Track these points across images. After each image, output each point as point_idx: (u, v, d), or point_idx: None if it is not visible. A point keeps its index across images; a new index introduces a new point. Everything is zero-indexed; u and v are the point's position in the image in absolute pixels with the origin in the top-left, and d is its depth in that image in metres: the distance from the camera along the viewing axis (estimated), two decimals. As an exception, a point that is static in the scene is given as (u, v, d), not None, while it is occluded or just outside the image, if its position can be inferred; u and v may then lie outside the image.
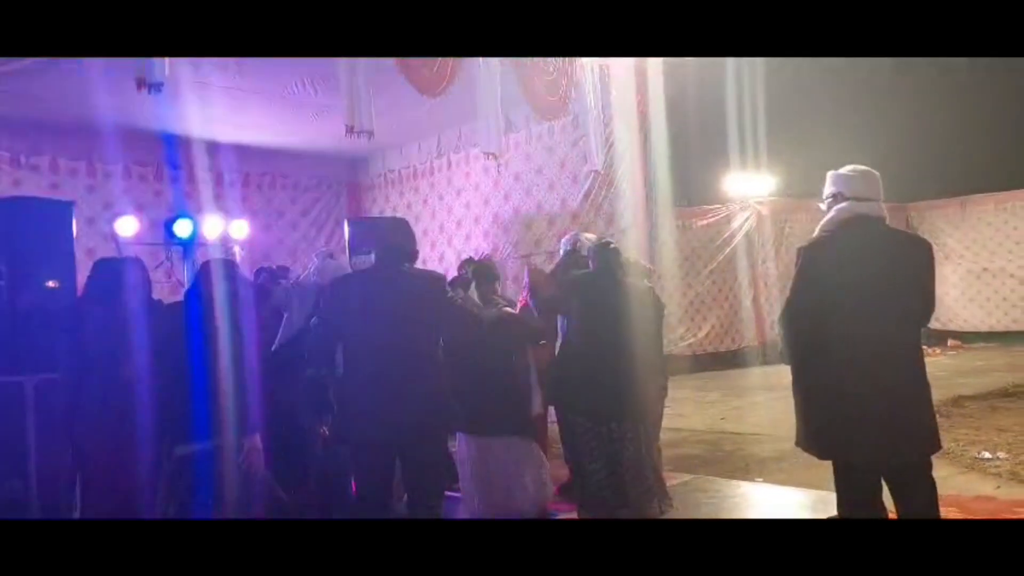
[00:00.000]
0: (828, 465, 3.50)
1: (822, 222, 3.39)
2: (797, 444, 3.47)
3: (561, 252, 5.13)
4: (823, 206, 3.50)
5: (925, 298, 3.30)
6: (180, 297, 4.47)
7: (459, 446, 4.74)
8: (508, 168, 7.32)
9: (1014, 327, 15.67)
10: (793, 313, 3.32)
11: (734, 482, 5.73)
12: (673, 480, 5.68)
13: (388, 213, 9.26)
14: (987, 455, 5.98)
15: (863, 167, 3.43)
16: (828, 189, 3.44)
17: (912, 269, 3.28)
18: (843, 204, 3.32)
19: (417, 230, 8.88)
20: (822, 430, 3.26)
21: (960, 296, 16.00)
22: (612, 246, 4.74)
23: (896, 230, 3.46)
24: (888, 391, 3.14)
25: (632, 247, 6.01)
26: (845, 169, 3.43)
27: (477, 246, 7.83)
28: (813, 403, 3.30)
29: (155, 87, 4.19)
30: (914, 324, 3.31)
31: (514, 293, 6.02)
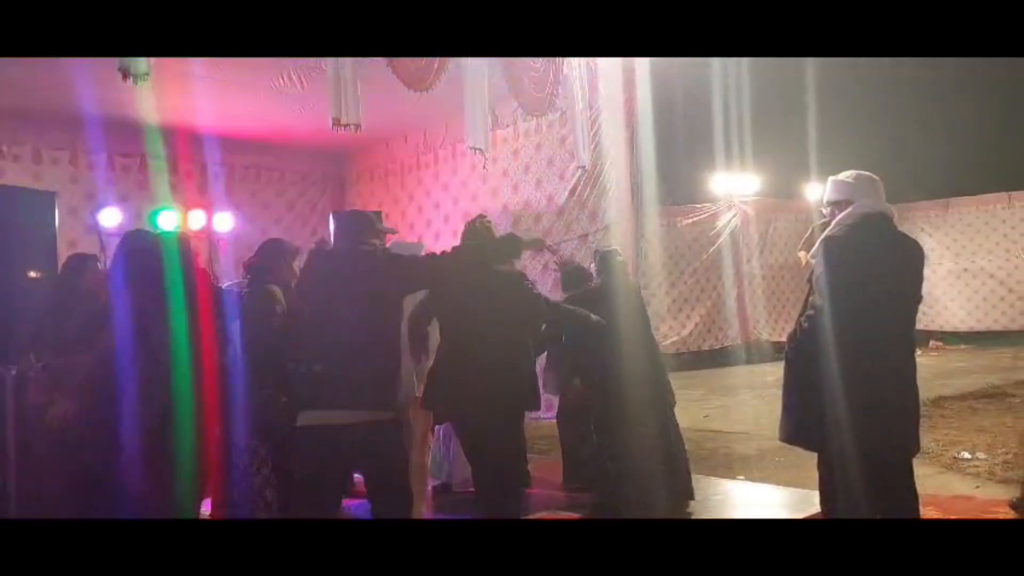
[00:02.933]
0: (809, 464, 3.53)
1: (837, 218, 3.37)
2: (781, 439, 3.49)
3: None
4: (825, 211, 3.49)
5: (918, 301, 3.37)
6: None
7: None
8: (496, 164, 7.31)
9: (995, 327, 15.84)
10: (828, 302, 3.23)
11: (716, 480, 5.76)
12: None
13: (373, 207, 9.21)
14: (966, 455, 6.04)
15: (865, 172, 3.43)
16: (833, 196, 3.43)
17: (916, 271, 3.34)
18: (858, 203, 3.32)
19: (403, 225, 8.90)
20: (814, 422, 3.26)
21: (941, 296, 16.15)
22: (620, 258, 4.85)
23: (901, 232, 3.45)
24: (883, 388, 3.18)
25: (616, 244, 6.03)
26: (847, 175, 3.42)
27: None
28: (811, 393, 3.29)
29: (141, 77, 4.15)
30: (910, 325, 3.36)
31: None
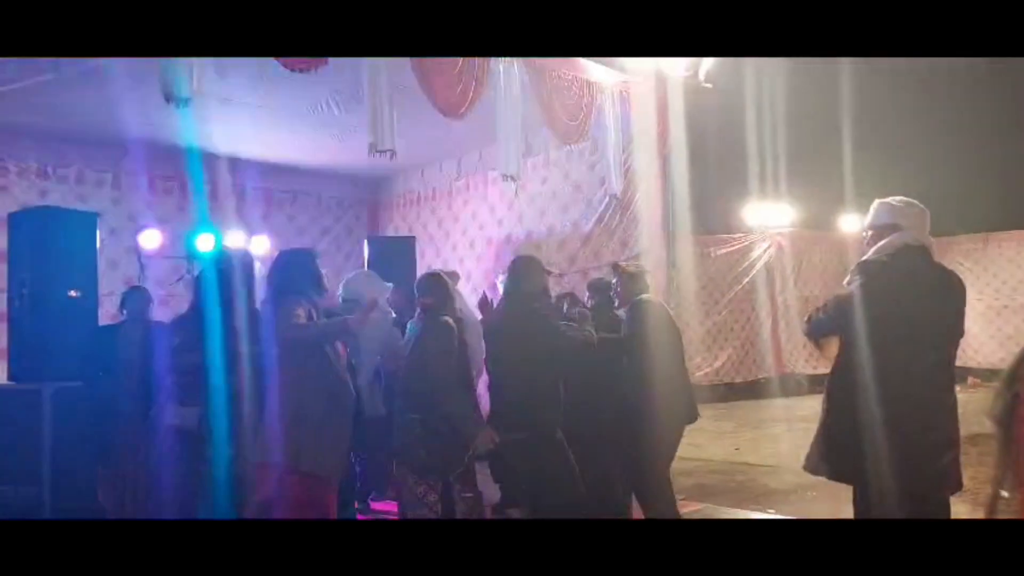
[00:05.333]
0: (840, 499, 3.45)
1: (877, 246, 3.30)
2: (805, 468, 3.41)
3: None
4: (867, 234, 3.41)
5: (957, 337, 3.29)
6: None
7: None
8: (524, 190, 7.38)
9: (1036, 366, 15.42)
10: (844, 321, 3.19)
11: (744, 513, 5.68)
12: (683, 509, 5.64)
13: (404, 233, 9.32)
14: (1004, 494, 5.89)
15: (913, 200, 3.36)
16: (880, 219, 3.35)
17: (956, 306, 3.26)
18: (903, 232, 3.26)
19: (430, 250, 8.98)
20: (840, 451, 3.21)
21: (980, 333, 15.79)
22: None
23: (941, 265, 3.37)
24: (910, 423, 3.09)
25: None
26: (897, 200, 3.35)
27: (488, 268, 7.88)
28: (837, 423, 3.24)
29: (183, 102, 4.25)
30: (949, 360, 3.26)
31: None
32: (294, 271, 3.84)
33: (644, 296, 4.66)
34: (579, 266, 6.95)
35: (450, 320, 4.09)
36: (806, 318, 3.49)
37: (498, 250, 7.84)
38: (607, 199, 6.56)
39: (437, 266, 8.47)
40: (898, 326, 3.13)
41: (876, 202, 3.41)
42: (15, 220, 5.94)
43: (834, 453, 3.26)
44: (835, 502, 4.60)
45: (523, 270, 4.35)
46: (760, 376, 14.42)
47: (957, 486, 3.24)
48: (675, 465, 6.12)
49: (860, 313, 3.16)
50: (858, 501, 3.29)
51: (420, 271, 8.49)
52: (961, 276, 3.46)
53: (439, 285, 4.24)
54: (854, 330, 3.16)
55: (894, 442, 3.07)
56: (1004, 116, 17.91)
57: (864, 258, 3.32)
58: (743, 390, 14.08)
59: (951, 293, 3.27)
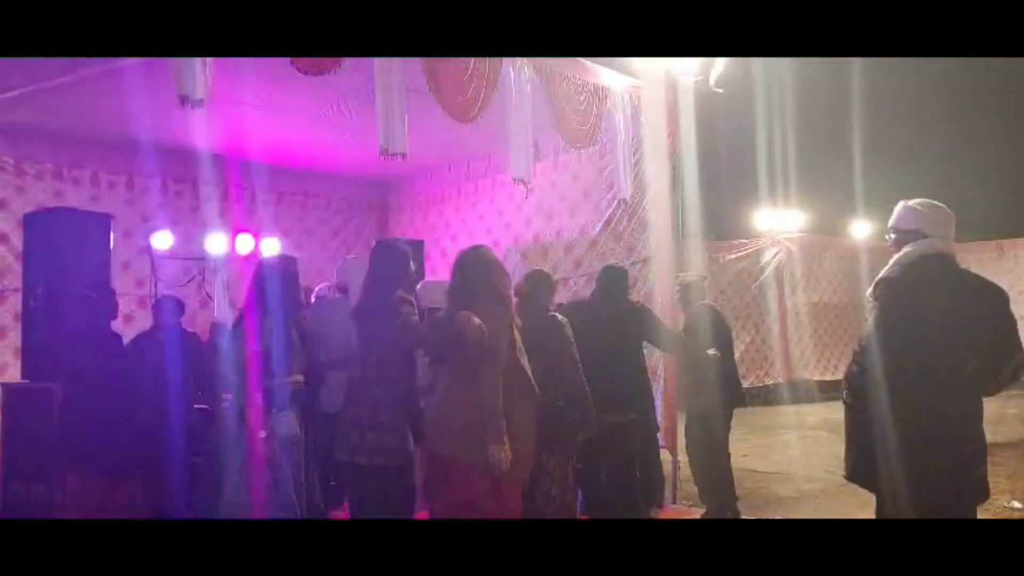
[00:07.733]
0: (849, 505, 3.44)
1: (895, 258, 3.26)
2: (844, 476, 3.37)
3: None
4: (889, 238, 3.36)
5: (1001, 347, 3.09)
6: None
7: None
8: (532, 194, 7.39)
9: (1051, 375, 15.29)
10: (879, 344, 3.14)
11: (752, 520, 5.66)
12: (689, 515, 5.64)
13: (411, 236, 9.34)
14: (1017, 504, 5.85)
15: (938, 203, 3.29)
16: (900, 223, 3.30)
17: (985, 315, 3.12)
18: (924, 240, 3.19)
19: (435, 253, 8.99)
20: (869, 464, 3.19)
21: (994, 341, 15.67)
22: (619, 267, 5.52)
23: (971, 273, 3.29)
24: (926, 435, 3.03)
25: (653, 277, 6.05)
26: (920, 204, 3.28)
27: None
28: (860, 430, 3.22)
29: (197, 103, 4.30)
30: (978, 372, 3.09)
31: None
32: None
33: (706, 302, 5.74)
34: (585, 270, 6.96)
35: (560, 316, 4.38)
36: (844, 378, 3.41)
37: (505, 253, 7.85)
38: (615, 203, 6.57)
39: (442, 269, 8.50)
40: (920, 339, 3.07)
41: (900, 204, 3.35)
42: (30, 220, 6.02)
43: (862, 465, 3.24)
44: (843, 511, 4.58)
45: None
46: (769, 382, 14.38)
47: (984, 496, 3.16)
48: (682, 472, 6.13)
49: (882, 333, 3.14)
50: (880, 511, 3.26)
51: (428, 274, 8.54)
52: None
53: (538, 279, 4.61)
54: (880, 352, 3.12)
55: (912, 456, 3.02)
56: (1019, 119, 17.81)
57: (880, 275, 3.27)
58: (752, 396, 14.02)
59: (979, 301, 3.14)
